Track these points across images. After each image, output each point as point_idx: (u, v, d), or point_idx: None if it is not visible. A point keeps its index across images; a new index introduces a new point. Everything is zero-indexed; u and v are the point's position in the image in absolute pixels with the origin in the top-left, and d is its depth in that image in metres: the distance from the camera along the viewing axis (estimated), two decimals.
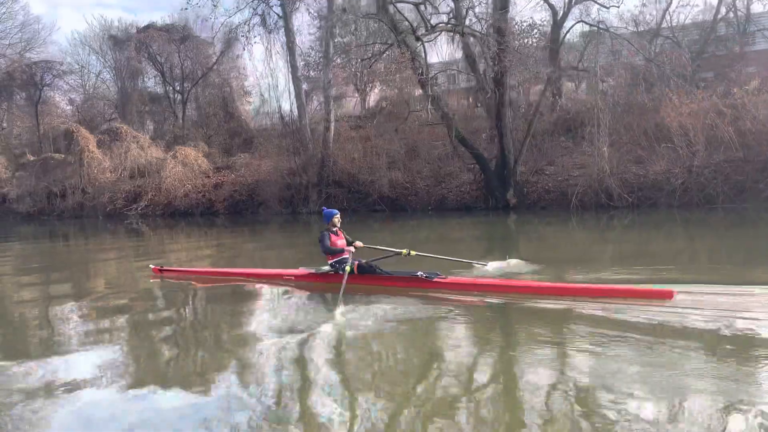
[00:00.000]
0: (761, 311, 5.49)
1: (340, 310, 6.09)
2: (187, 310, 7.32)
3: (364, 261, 7.45)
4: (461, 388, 4.08)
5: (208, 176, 28.49)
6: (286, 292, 7.64)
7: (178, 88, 35.99)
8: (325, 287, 7.41)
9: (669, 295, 5.95)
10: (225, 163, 29.94)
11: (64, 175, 29.79)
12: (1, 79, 33.17)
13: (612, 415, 3.46)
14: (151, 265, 9.61)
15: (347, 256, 7.24)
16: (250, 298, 7.77)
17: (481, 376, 4.37)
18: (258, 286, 8.11)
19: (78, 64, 35.80)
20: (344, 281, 6.65)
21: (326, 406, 3.80)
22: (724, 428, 3.26)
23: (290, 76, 25.45)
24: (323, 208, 7.98)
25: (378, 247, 7.85)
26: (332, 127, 24.62)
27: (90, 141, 28.65)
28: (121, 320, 6.55)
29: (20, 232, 24.58)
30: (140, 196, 28.23)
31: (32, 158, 30.80)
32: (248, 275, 8.59)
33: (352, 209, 23.60)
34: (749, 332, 4.92)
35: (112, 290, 9.14)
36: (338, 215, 7.59)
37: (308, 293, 7.54)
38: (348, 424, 3.54)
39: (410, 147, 23.80)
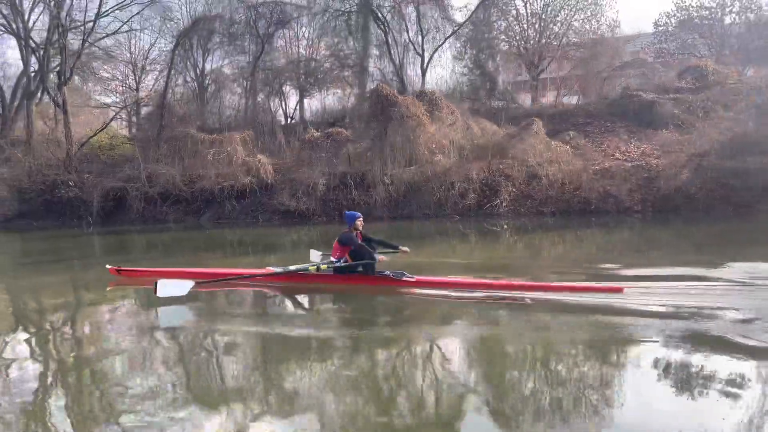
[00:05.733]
0: None
1: None
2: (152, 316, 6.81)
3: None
4: (431, 385, 4.29)
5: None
6: (256, 294, 7.66)
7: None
8: (294, 287, 7.62)
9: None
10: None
11: (353, 157, 20.87)
12: (209, 26, 23.47)
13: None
14: (107, 266, 8.78)
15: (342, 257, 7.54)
16: (216, 300, 7.54)
17: (450, 372, 4.62)
18: (225, 287, 7.92)
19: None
20: (305, 271, 7.36)
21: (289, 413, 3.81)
22: None
23: None
24: (345, 211, 8.32)
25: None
26: None
27: (419, 109, 19.96)
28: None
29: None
30: (493, 188, 19.99)
31: (317, 134, 21.42)
32: (213, 275, 8.02)
33: None
34: None
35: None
36: (361, 218, 7.76)
37: (275, 294, 7.63)
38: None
39: None
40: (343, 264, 7.46)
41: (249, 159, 21.54)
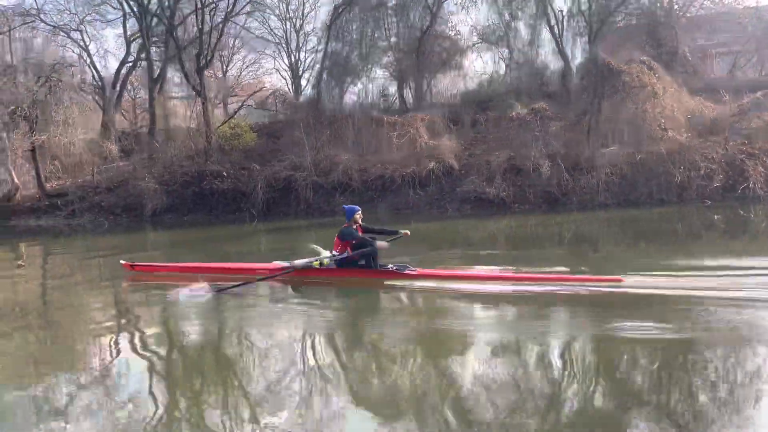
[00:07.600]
0: None
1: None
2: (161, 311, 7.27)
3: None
4: (430, 376, 4.42)
5: None
6: (261, 288, 7.75)
7: None
8: (300, 281, 7.80)
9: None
10: None
11: (558, 136, 18.10)
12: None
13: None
14: (121, 261, 8.97)
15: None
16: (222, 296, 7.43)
17: (452, 362, 4.71)
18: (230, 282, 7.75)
19: None
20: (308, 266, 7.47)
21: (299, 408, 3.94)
22: None
23: None
24: (344, 205, 8.20)
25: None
26: None
27: (651, 79, 17.06)
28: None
29: None
30: (735, 168, 16.91)
31: (523, 110, 18.75)
32: (220, 270, 8.41)
33: None
34: None
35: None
36: (360, 212, 7.83)
37: (282, 288, 7.79)
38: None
39: None
40: (345, 255, 7.55)
41: (432, 142, 18.99)
